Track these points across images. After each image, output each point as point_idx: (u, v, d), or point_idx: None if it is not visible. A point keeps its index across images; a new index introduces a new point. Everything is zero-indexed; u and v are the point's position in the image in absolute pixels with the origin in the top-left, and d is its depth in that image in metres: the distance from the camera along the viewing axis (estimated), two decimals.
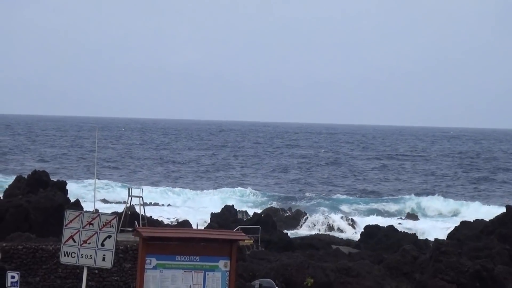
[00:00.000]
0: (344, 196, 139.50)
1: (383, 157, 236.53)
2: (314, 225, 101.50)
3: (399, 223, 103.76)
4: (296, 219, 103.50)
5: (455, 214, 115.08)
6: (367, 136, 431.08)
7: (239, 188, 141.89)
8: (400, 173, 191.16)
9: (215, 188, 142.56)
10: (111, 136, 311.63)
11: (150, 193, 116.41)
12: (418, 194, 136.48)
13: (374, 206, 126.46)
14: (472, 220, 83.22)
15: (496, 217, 74.76)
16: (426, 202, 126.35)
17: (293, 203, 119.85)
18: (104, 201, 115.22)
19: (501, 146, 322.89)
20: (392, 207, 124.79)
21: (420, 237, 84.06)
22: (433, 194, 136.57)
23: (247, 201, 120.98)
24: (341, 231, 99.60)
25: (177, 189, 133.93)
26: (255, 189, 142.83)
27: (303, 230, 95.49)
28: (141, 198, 51.61)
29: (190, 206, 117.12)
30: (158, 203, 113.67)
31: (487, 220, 77.05)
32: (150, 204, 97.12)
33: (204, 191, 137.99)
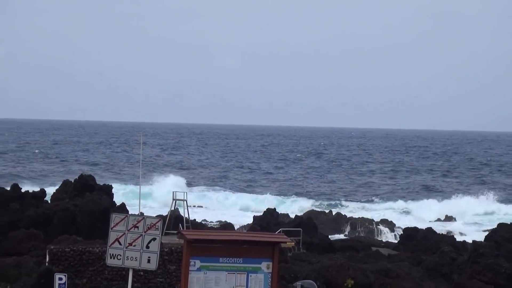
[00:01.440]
0: (383, 200, 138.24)
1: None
2: (354, 228, 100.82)
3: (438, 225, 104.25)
4: (337, 221, 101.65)
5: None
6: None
7: (281, 191, 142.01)
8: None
9: (259, 192, 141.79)
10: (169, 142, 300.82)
11: (196, 195, 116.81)
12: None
13: (413, 208, 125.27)
14: (509, 222, 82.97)
15: None
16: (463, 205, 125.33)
17: (334, 206, 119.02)
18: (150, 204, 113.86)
19: None
20: (431, 209, 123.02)
21: (458, 239, 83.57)
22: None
23: (289, 204, 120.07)
24: (381, 233, 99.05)
25: (221, 192, 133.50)
26: (296, 192, 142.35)
27: (344, 233, 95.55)
28: (185, 202, 51.55)
29: (232, 209, 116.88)
30: (202, 206, 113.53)
31: None
32: (195, 206, 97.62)
33: (245, 194, 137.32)
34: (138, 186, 72.39)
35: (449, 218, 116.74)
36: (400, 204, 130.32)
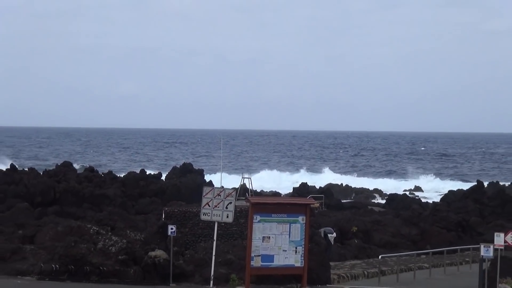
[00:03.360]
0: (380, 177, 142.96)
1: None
2: (357, 194, 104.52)
3: (410, 193, 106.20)
4: (346, 190, 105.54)
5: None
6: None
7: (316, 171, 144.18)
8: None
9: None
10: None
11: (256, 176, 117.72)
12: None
13: (399, 182, 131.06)
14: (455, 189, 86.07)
15: (470, 187, 76.97)
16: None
17: (348, 181, 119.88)
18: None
19: None
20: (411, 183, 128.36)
21: (424, 201, 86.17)
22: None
23: (317, 179, 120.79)
24: (374, 198, 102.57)
25: (274, 171, 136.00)
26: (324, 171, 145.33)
27: (350, 197, 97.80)
28: (250, 179, 52.55)
29: (280, 182, 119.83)
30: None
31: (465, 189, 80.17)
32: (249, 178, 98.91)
33: (287, 173, 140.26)
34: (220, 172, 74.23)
35: (417, 188, 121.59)
36: (387, 180, 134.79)
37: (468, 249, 50.28)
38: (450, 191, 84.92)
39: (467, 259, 47.68)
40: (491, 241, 30.41)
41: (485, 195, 72.81)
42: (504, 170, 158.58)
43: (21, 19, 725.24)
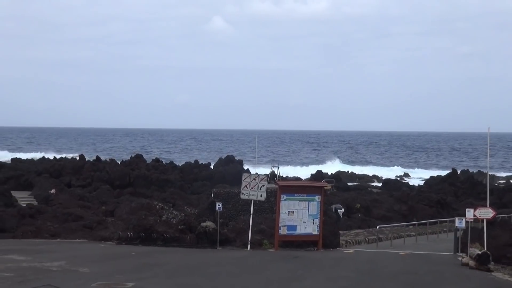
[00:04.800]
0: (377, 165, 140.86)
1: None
2: (360, 179, 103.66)
3: (401, 178, 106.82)
4: (351, 176, 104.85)
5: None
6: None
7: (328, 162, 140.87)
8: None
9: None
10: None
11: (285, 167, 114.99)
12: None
13: (393, 170, 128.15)
14: (435, 175, 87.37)
15: (447, 174, 77.37)
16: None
17: (353, 169, 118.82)
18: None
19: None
20: (401, 171, 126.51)
21: (411, 184, 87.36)
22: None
23: (329, 167, 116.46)
24: (373, 181, 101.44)
25: (298, 167, 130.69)
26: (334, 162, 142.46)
27: (355, 181, 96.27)
28: (277, 168, 52.98)
29: (302, 171, 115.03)
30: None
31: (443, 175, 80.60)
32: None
33: (303, 166, 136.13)
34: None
35: (406, 175, 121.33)
36: (383, 168, 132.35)
37: (446, 221, 50.20)
38: (431, 177, 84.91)
39: (445, 229, 47.62)
40: (463, 215, 30.39)
41: (458, 180, 72.99)
42: (472, 161, 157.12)
43: (103, 46, 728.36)
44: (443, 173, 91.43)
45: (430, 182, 77.43)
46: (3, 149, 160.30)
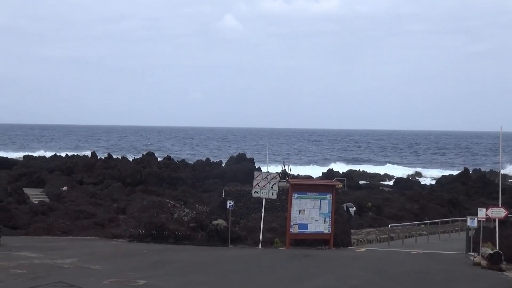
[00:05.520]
0: (391, 163, 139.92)
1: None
2: (372, 178, 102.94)
3: (412, 177, 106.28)
4: (363, 174, 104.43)
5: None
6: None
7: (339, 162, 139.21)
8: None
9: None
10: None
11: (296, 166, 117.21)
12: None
13: (403, 169, 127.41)
14: (447, 175, 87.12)
15: (459, 173, 77.68)
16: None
17: (364, 168, 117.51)
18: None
19: None
20: (413, 170, 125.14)
21: (422, 183, 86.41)
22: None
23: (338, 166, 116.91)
24: (384, 180, 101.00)
25: (311, 165, 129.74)
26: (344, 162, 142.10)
27: (366, 180, 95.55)
28: (289, 166, 53.89)
29: (313, 170, 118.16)
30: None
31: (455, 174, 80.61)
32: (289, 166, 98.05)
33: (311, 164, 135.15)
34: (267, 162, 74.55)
35: (418, 174, 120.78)
36: (394, 167, 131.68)
37: (457, 221, 50.10)
38: (443, 176, 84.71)
39: (456, 228, 47.42)
40: (475, 214, 30.35)
41: (470, 179, 72.78)
42: (484, 160, 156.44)
43: (115, 44, 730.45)
44: (455, 172, 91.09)
45: (442, 181, 77.27)
46: (14, 145, 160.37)
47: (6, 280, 17.36)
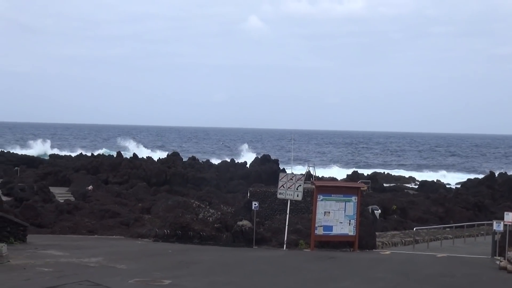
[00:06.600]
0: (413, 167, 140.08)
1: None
2: (397, 180, 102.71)
3: (437, 180, 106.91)
4: (387, 177, 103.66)
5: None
6: None
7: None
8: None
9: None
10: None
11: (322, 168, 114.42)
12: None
13: (430, 172, 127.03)
14: (473, 178, 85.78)
15: (485, 176, 77.66)
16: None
17: (389, 171, 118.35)
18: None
19: None
20: (439, 173, 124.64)
21: (448, 186, 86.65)
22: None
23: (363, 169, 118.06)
24: (409, 183, 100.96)
25: (335, 167, 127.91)
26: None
27: (390, 183, 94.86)
28: (313, 168, 51.21)
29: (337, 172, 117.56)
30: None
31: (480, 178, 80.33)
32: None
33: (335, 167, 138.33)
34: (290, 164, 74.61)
35: (443, 177, 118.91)
36: (419, 170, 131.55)
37: (483, 224, 49.94)
38: (469, 179, 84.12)
39: (482, 232, 47.08)
40: (501, 218, 30.17)
41: (496, 183, 72.27)
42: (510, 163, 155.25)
43: (139, 44, 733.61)
44: (480, 175, 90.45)
45: (468, 184, 76.79)
46: (43, 141, 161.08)
47: (33, 278, 17.54)
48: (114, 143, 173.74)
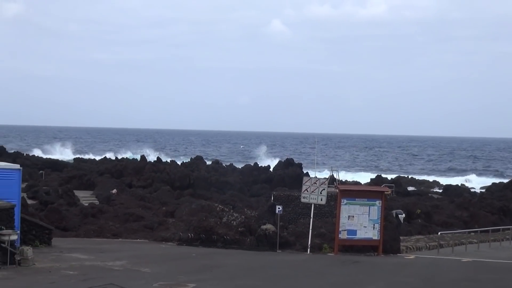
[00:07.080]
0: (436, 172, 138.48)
1: None
2: (421, 184, 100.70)
3: (462, 184, 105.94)
4: (412, 181, 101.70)
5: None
6: None
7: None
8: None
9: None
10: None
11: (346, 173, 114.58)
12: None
13: (454, 176, 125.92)
14: (498, 182, 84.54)
15: (510, 180, 77.21)
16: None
17: (412, 175, 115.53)
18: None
19: None
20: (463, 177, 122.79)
21: (472, 190, 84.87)
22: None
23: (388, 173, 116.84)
24: (433, 187, 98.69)
25: (359, 172, 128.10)
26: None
27: (414, 187, 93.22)
28: (337, 172, 52.61)
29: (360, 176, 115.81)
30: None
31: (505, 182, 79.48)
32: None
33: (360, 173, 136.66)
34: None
35: (467, 181, 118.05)
36: (444, 176, 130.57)
37: (508, 229, 49.37)
38: (493, 183, 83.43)
39: (507, 237, 46.71)
40: None
41: None
42: None
43: (163, 48, 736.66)
44: (505, 180, 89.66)
45: (492, 188, 76.10)
46: (66, 147, 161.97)
47: (58, 281, 17.68)
48: (138, 147, 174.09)
